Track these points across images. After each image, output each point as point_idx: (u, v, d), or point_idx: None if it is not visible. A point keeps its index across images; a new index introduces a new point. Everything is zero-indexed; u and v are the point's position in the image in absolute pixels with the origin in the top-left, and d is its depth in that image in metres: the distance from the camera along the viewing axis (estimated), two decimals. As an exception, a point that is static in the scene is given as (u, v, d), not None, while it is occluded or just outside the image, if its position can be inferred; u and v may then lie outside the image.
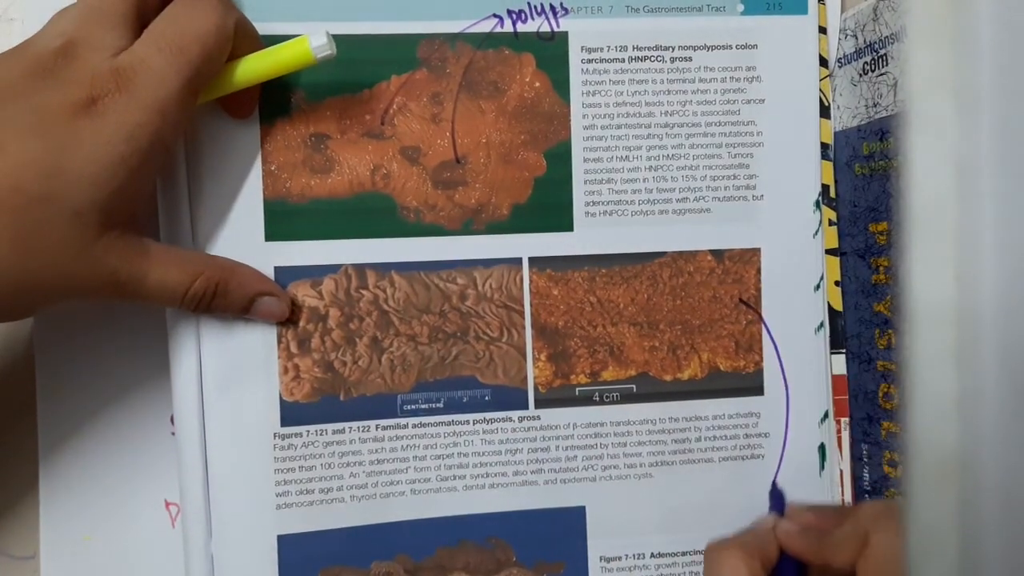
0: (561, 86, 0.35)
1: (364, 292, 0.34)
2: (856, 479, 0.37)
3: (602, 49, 0.35)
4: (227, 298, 0.31)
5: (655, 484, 0.36)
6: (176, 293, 0.30)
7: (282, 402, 0.34)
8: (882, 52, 0.34)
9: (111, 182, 0.27)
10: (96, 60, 0.27)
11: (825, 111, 0.37)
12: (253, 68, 0.30)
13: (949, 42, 0.17)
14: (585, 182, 0.35)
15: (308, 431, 0.34)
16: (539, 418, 0.35)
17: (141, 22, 0.28)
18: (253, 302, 0.32)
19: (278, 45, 0.30)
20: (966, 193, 0.17)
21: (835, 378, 0.37)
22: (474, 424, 0.35)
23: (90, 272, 0.27)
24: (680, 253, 0.36)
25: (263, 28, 0.32)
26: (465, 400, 0.35)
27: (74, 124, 0.26)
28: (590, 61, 0.35)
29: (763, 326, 0.37)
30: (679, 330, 0.36)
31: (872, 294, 0.36)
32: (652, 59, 0.36)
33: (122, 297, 0.29)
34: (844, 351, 0.37)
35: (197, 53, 0.28)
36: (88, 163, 0.26)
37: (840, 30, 0.37)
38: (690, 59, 0.36)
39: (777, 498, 0.35)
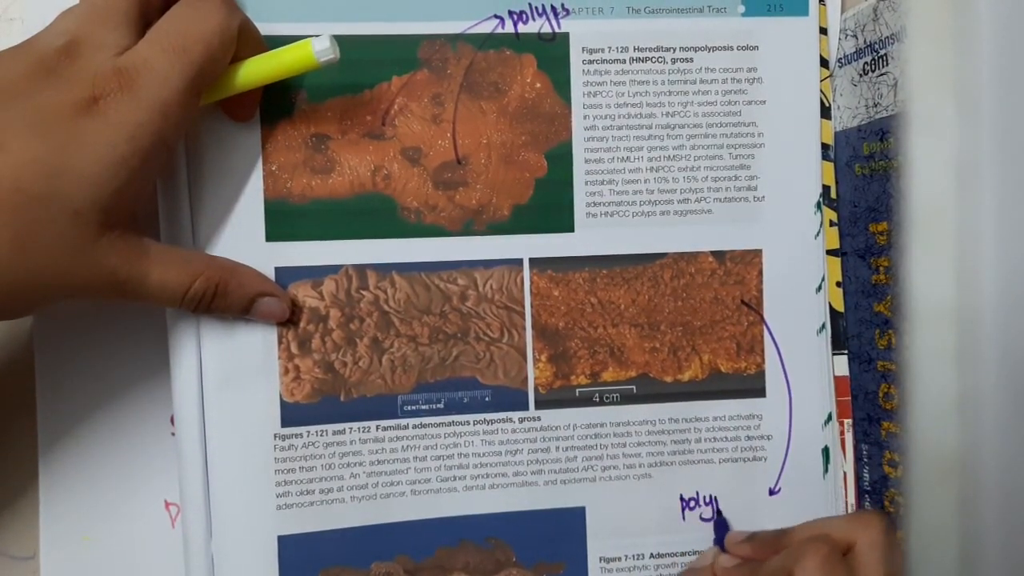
0: (562, 87, 0.35)
1: (365, 293, 0.34)
2: (856, 479, 0.37)
3: (603, 50, 0.35)
4: (227, 299, 0.31)
5: (655, 485, 0.36)
6: (176, 293, 0.30)
7: (282, 403, 0.34)
8: (882, 52, 0.34)
9: (112, 182, 0.27)
10: (99, 59, 0.27)
11: (826, 112, 0.37)
12: (256, 71, 0.30)
13: (949, 42, 0.17)
14: (586, 183, 0.35)
15: (308, 432, 0.34)
16: (539, 419, 0.35)
17: (144, 22, 0.28)
18: (253, 303, 0.32)
19: (281, 48, 0.30)
20: (966, 193, 0.17)
21: (837, 379, 0.37)
22: (474, 425, 0.35)
23: (90, 272, 0.27)
24: (681, 254, 0.36)
25: (265, 29, 0.32)
26: (465, 401, 0.35)
27: (76, 124, 0.26)
28: (591, 62, 0.35)
29: (765, 327, 0.37)
30: (680, 331, 0.36)
31: (872, 294, 0.36)
32: (653, 60, 0.36)
33: (122, 297, 0.29)
34: (846, 352, 0.37)
35: (200, 54, 0.28)
36: (89, 163, 0.26)
37: (840, 30, 0.37)
38: (691, 60, 0.36)
39: (721, 528, 0.36)
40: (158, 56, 0.27)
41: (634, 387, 0.36)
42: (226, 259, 0.32)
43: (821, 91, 0.37)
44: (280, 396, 0.34)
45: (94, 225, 0.27)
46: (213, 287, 0.30)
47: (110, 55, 0.27)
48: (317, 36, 0.29)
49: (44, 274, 0.26)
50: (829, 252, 0.37)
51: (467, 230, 0.35)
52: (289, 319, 0.33)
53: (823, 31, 0.37)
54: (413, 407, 0.35)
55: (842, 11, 0.37)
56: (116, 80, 0.27)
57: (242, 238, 0.33)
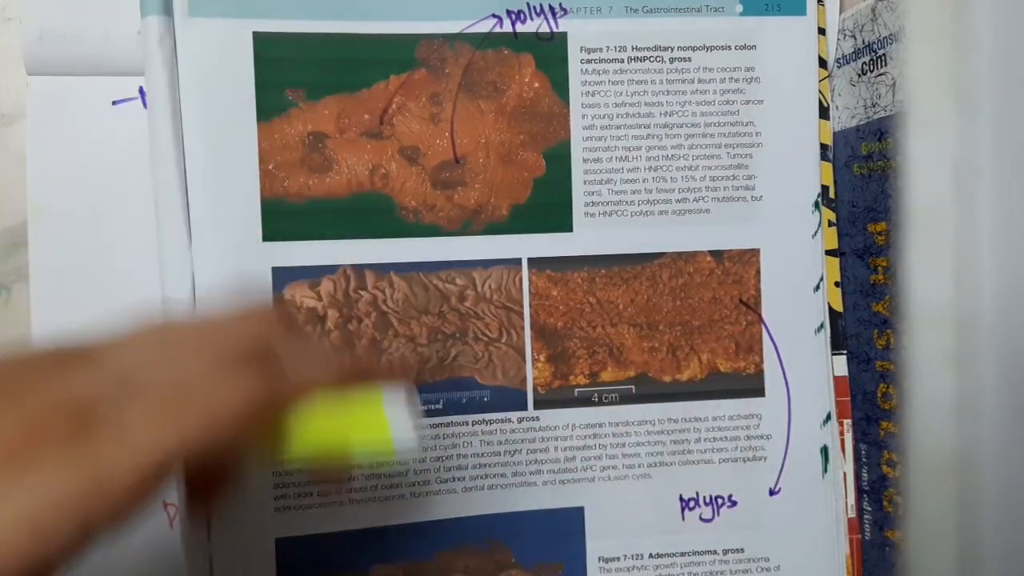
0: (560, 86, 0.35)
1: (363, 293, 0.34)
2: (856, 479, 0.37)
3: (601, 49, 0.35)
4: None
5: (654, 485, 0.36)
6: None
7: (281, 403, 0.34)
8: (880, 52, 0.34)
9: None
10: None
11: (824, 112, 0.37)
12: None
13: (947, 42, 0.17)
14: (584, 182, 0.35)
15: (307, 432, 0.34)
16: (538, 419, 0.35)
17: None
18: None
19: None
20: (964, 193, 0.17)
21: (836, 379, 0.37)
22: (473, 425, 0.35)
23: None
24: (680, 254, 0.36)
25: (263, 26, 0.32)
26: (464, 401, 0.35)
27: None
28: (589, 61, 0.35)
29: (763, 327, 0.37)
30: (679, 331, 0.36)
31: (871, 294, 0.36)
32: (651, 59, 0.36)
33: None
34: (845, 352, 0.37)
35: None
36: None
37: (839, 30, 0.37)
38: (689, 59, 0.36)
39: None
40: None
41: (633, 387, 0.36)
42: None
43: (819, 91, 0.37)
44: (278, 396, 0.34)
45: None
46: None
47: None
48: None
49: None
50: (828, 252, 0.37)
51: (465, 230, 0.35)
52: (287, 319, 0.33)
53: (821, 31, 0.37)
54: (411, 407, 0.35)
55: (840, 11, 0.37)
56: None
57: (238, 238, 0.33)
